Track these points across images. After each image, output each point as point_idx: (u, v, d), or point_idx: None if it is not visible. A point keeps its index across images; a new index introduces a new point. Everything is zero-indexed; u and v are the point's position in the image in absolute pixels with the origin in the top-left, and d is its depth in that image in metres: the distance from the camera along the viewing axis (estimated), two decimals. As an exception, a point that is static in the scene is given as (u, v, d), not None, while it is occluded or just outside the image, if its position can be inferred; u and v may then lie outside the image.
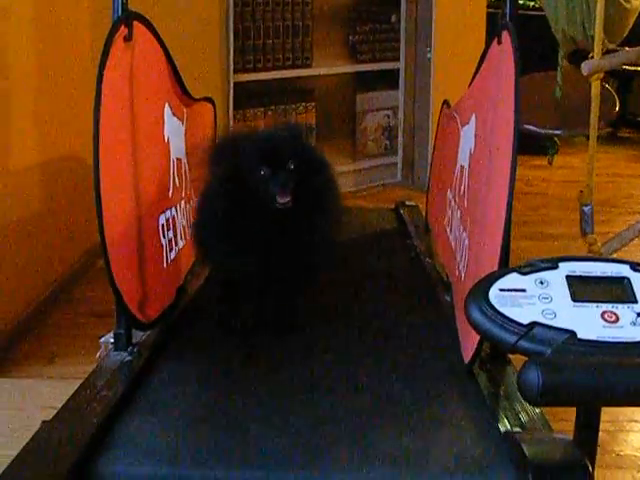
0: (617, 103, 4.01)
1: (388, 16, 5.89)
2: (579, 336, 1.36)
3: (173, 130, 2.40)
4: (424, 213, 3.42)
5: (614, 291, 1.44)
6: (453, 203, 2.49)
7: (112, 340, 2.05)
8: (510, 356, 1.94)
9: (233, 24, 5.06)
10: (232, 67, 5.10)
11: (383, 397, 1.82)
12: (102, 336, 2.20)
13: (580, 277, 1.45)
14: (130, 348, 2.01)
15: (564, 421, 1.61)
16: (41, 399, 2.91)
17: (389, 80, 5.94)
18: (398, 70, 5.94)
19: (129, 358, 1.98)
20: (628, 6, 3.65)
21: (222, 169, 2.09)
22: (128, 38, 2.05)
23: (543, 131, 3.98)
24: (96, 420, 1.64)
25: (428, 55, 5.82)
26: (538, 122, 3.96)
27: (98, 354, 2.22)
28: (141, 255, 2.09)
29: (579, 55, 3.65)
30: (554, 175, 5.93)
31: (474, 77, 2.36)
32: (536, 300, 1.41)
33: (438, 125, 3.38)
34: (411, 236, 3.18)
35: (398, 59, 5.92)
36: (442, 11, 5.79)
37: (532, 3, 6.85)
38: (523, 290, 1.43)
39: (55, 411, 1.71)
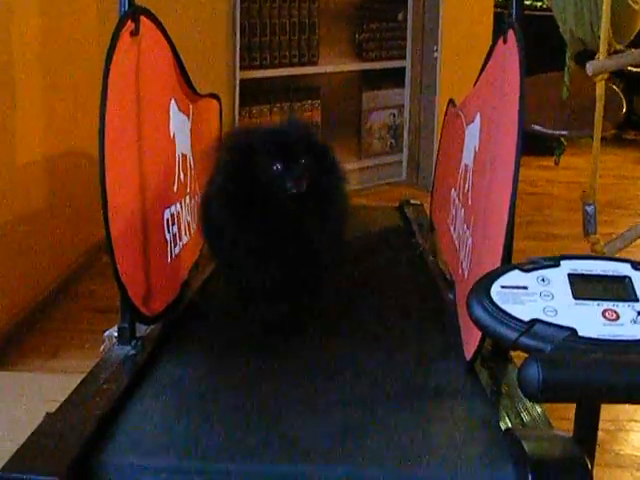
0: (624, 104, 4.02)
1: (395, 14, 5.90)
2: (580, 333, 1.36)
3: (179, 125, 2.41)
4: (428, 212, 3.42)
5: (615, 289, 1.45)
6: (457, 202, 2.49)
7: (116, 334, 2.05)
8: (512, 354, 1.95)
9: (240, 21, 5.08)
10: (238, 64, 5.11)
11: (387, 390, 1.84)
12: (106, 330, 2.21)
13: (581, 275, 1.46)
14: (134, 342, 2.02)
15: (563, 420, 1.62)
16: (44, 392, 2.92)
17: (395, 78, 5.95)
18: (404, 68, 5.95)
19: (133, 352, 1.98)
20: (636, 7, 3.65)
21: (230, 165, 2.05)
22: (135, 33, 2.05)
23: (550, 131, 3.98)
24: (99, 412, 1.65)
25: (435, 54, 5.83)
26: (545, 122, 3.96)
27: (102, 348, 2.23)
28: (146, 250, 2.10)
29: (586, 56, 3.65)
30: (559, 176, 5.94)
31: (479, 76, 2.37)
32: (537, 297, 1.42)
33: (443, 124, 3.39)
34: (415, 234, 3.18)
35: (404, 57, 5.93)
36: (449, 10, 5.80)
37: (540, 3, 6.85)
38: (525, 287, 1.43)
39: (58, 404, 1.72)
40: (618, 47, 3.41)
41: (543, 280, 1.45)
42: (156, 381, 1.86)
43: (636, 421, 2.87)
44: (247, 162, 2.00)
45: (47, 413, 1.66)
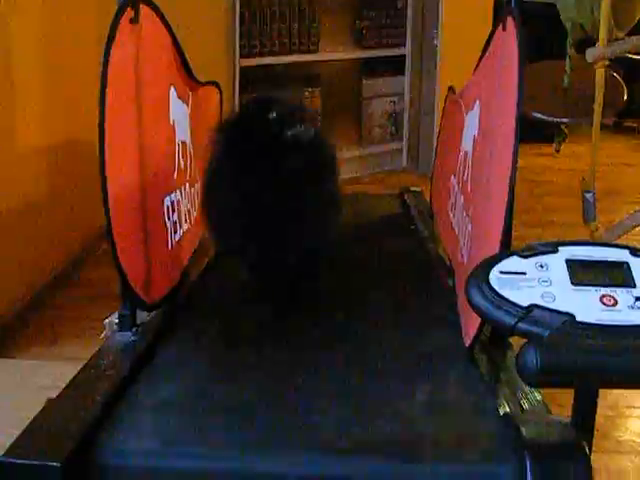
0: (625, 92, 4.02)
1: (394, 2, 5.90)
2: (578, 319, 1.37)
3: (178, 113, 2.41)
4: (429, 199, 3.43)
5: (613, 275, 1.45)
6: (457, 189, 2.50)
7: (116, 321, 2.06)
8: (511, 341, 1.96)
9: (240, 8, 5.07)
10: (238, 51, 5.11)
11: (385, 374, 1.85)
12: (106, 317, 2.22)
13: (580, 261, 1.47)
14: (134, 329, 2.03)
15: (562, 407, 1.63)
16: (45, 379, 2.93)
17: (395, 66, 5.95)
18: (404, 56, 5.95)
19: (133, 339, 1.99)
20: (637, -6, 3.66)
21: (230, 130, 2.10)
22: (134, 21, 2.05)
23: (550, 119, 3.98)
24: (101, 398, 1.66)
25: (435, 41, 5.83)
26: (546, 110, 3.97)
27: (102, 335, 2.24)
28: (146, 237, 2.11)
29: (587, 43, 3.65)
30: (560, 163, 5.94)
31: (478, 63, 2.37)
32: (536, 283, 1.42)
33: (443, 111, 3.39)
34: (415, 221, 3.19)
35: (404, 45, 5.93)
36: (449, -3, 5.80)
37: (540, -9, 6.84)
38: (523, 273, 1.44)
39: (59, 391, 1.73)
40: (619, 35, 3.41)
41: (541, 266, 1.46)
42: (157, 367, 1.87)
43: (635, 407, 2.88)
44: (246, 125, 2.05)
45: (49, 398, 1.68)
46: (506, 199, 1.72)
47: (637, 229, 3.11)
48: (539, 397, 1.70)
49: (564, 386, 1.40)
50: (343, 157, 2.47)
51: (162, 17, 2.30)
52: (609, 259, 1.48)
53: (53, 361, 3.16)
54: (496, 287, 1.41)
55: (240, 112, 2.17)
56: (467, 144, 2.37)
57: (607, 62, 2.99)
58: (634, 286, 1.44)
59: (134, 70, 2.07)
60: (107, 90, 1.89)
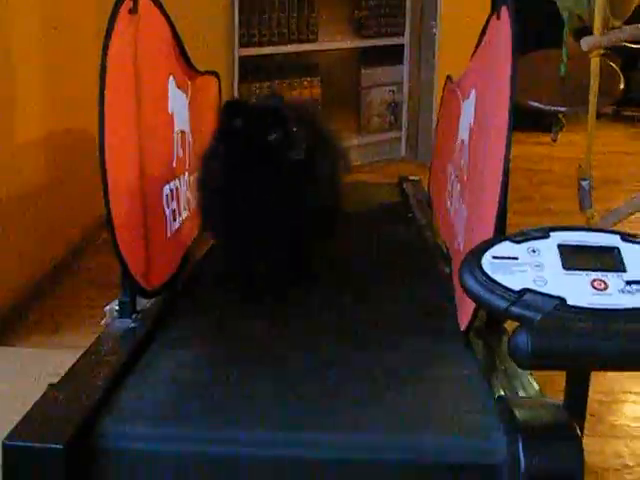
0: (622, 80, 4.04)
1: (393, -9, 5.90)
2: (569, 302, 1.39)
3: (177, 102, 2.43)
4: (427, 187, 3.45)
5: (604, 260, 1.48)
6: (453, 177, 2.52)
7: (117, 308, 2.09)
8: (506, 326, 1.98)
9: (238, -2, 5.08)
10: (237, 41, 5.12)
11: (383, 359, 1.88)
12: (107, 304, 2.24)
13: (571, 246, 1.49)
14: (134, 315, 2.05)
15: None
16: (46, 367, 2.94)
17: (394, 55, 5.96)
18: (403, 45, 5.95)
19: (133, 325, 2.02)
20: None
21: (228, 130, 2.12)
22: (133, 11, 2.07)
23: (547, 107, 4.01)
24: (101, 383, 1.69)
25: (433, 30, 5.83)
26: (542, 99, 3.99)
27: (103, 322, 2.26)
28: (145, 225, 2.13)
29: (584, 33, 3.67)
30: (558, 152, 5.95)
31: (474, 52, 2.39)
32: (528, 268, 1.45)
33: (441, 100, 3.41)
34: (413, 210, 3.21)
35: (403, 34, 5.93)
36: (448, -14, 5.80)
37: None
38: (515, 258, 1.47)
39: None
40: (615, 24, 3.43)
41: (533, 251, 1.48)
42: (156, 353, 1.90)
43: (630, 392, 2.91)
44: (244, 128, 2.07)
45: (50, 384, 1.70)
46: (500, 186, 1.74)
47: (633, 216, 3.14)
48: (533, 380, 1.72)
49: (556, 368, 1.43)
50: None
51: (161, 7, 2.32)
52: (600, 244, 1.51)
53: (54, 349, 3.18)
54: (489, 271, 1.44)
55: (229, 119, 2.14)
56: (463, 132, 2.39)
57: (602, 51, 3.00)
58: (624, 270, 1.47)
59: (133, 60, 2.09)
60: (106, 80, 1.91)
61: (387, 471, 1.53)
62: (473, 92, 2.29)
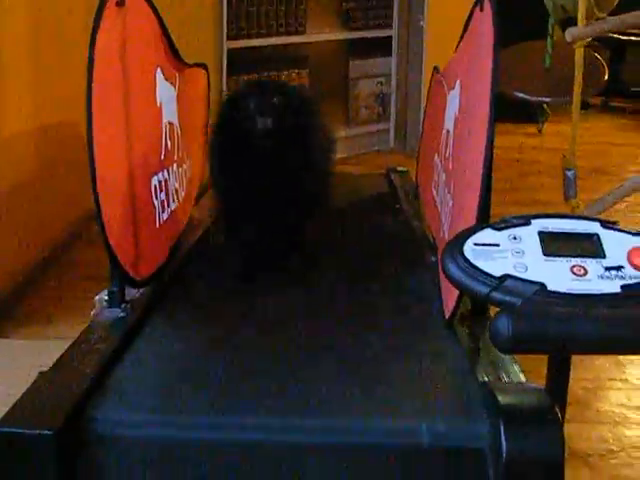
0: (606, 71, 4.07)
1: (380, -17, 5.92)
2: (549, 288, 1.42)
3: (165, 94, 2.45)
4: (414, 178, 3.48)
5: (584, 246, 1.50)
6: (439, 167, 2.55)
7: (106, 298, 2.11)
8: (491, 313, 2.01)
9: (227, -10, 5.09)
10: (225, 33, 5.13)
11: (368, 344, 1.91)
12: (97, 294, 2.26)
13: (551, 233, 1.52)
14: (123, 305, 2.08)
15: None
16: (39, 358, 2.96)
17: (382, 47, 5.98)
18: (391, 37, 5.98)
19: (122, 314, 2.04)
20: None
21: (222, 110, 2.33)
22: (120, 3, 2.09)
23: (532, 98, 4.04)
24: (90, 370, 1.71)
25: (421, 22, 5.86)
26: (528, 90, 4.02)
27: (93, 312, 2.28)
28: (134, 215, 2.15)
29: (570, 24, 3.69)
30: (546, 142, 5.98)
31: (459, 43, 2.41)
32: (509, 254, 1.47)
33: (428, 91, 3.44)
34: (400, 201, 3.24)
35: (391, 26, 5.96)
36: (435, -22, 5.82)
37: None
38: (497, 245, 1.49)
39: (52, 366, 1.78)
40: (600, 15, 3.45)
41: (514, 238, 1.51)
42: (145, 341, 1.92)
43: (615, 380, 2.94)
44: (232, 107, 2.27)
45: (40, 372, 1.72)
46: (481, 175, 1.77)
47: (617, 206, 3.17)
48: (516, 365, 1.75)
49: (536, 352, 1.46)
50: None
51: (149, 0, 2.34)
52: (580, 231, 1.54)
53: (46, 340, 3.19)
54: (470, 258, 1.46)
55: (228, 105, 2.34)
56: (449, 123, 2.42)
57: (586, 42, 3.03)
58: (604, 257, 1.49)
59: (121, 52, 2.10)
60: (94, 73, 1.92)
61: (370, 455, 1.55)
62: (458, 83, 2.32)
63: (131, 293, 2.14)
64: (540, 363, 1.55)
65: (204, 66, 3.23)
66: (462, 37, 2.37)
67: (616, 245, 1.51)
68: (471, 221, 1.77)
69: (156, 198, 2.32)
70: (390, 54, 6.01)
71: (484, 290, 1.42)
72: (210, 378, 1.75)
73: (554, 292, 1.42)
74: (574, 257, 1.48)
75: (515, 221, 1.54)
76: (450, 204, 2.21)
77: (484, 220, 1.79)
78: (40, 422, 1.51)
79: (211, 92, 3.37)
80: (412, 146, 5.72)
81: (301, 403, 1.65)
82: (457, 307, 1.88)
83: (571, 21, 3.68)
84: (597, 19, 3.32)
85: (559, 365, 1.55)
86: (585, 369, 2.92)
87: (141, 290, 2.16)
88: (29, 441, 1.49)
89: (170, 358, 1.84)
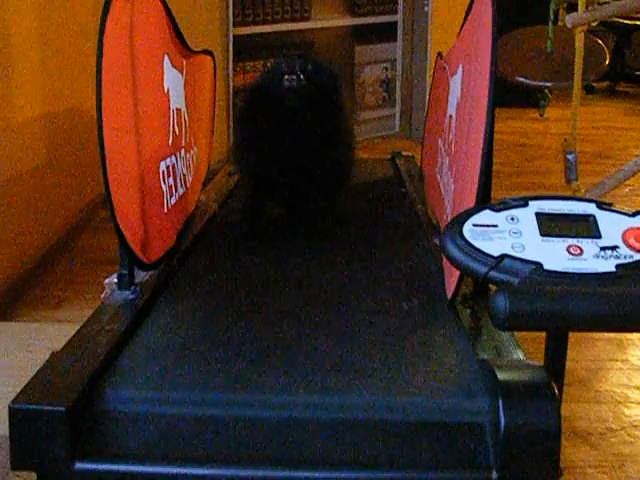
0: (607, 56, 4.09)
1: (386, -31, 5.94)
2: (545, 267, 1.47)
3: (172, 81, 2.49)
4: (419, 163, 3.52)
5: (580, 227, 1.55)
6: (443, 151, 2.59)
7: (116, 280, 2.16)
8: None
9: (232, -23, 5.12)
10: (232, 20, 5.16)
11: (371, 323, 1.96)
12: (107, 277, 2.31)
13: (548, 214, 1.57)
14: (133, 287, 2.12)
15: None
16: (49, 341, 3.01)
17: (387, 33, 6.01)
18: (396, 23, 6.00)
19: (132, 297, 2.09)
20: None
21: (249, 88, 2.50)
22: (128, -9, 2.13)
23: (534, 83, 4.06)
24: (102, 350, 1.76)
25: (426, 8, 5.88)
26: (529, 74, 4.05)
27: (103, 294, 2.32)
28: (143, 199, 2.20)
29: (574, 8, 3.72)
30: (550, 127, 6.01)
31: (461, 29, 2.45)
32: (507, 235, 1.52)
33: (433, 76, 3.47)
34: (405, 185, 3.28)
35: (396, 12, 5.98)
36: (440, -36, 5.83)
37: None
38: (495, 225, 1.54)
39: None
40: (602, 1, 3.48)
41: (512, 219, 1.56)
42: (154, 321, 1.96)
43: (616, 360, 2.98)
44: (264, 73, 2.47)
45: (52, 352, 1.77)
46: (481, 158, 1.80)
47: (617, 190, 3.20)
48: (516, 344, 1.79)
49: (532, 329, 1.50)
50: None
51: (155, -13, 2.37)
52: (576, 212, 1.58)
53: (57, 323, 3.24)
54: (469, 238, 1.51)
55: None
56: (451, 108, 2.45)
57: (589, 27, 3.06)
58: (599, 237, 1.54)
59: (129, 40, 2.14)
60: (103, 59, 1.96)
61: (370, 431, 1.59)
62: (460, 68, 2.35)
63: (140, 276, 2.18)
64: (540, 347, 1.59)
65: (210, 53, 3.26)
66: (464, 23, 2.40)
67: (611, 226, 1.56)
68: (472, 203, 1.80)
69: (164, 183, 2.37)
70: (395, 40, 6.04)
71: (483, 270, 1.47)
72: (220, 356, 1.79)
73: (550, 271, 1.46)
74: (570, 237, 1.53)
75: (513, 202, 1.59)
76: (453, 188, 2.25)
77: (485, 202, 1.83)
78: (53, 399, 1.56)
79: (217, 79, 3.41)
80: (417, 131, 5.75)
81: (303, 381, 1.69)
82: (458, 287, 1.92)
83: (573, 7, 3.71)
84: (598, 4, 3.35)
85: (556, 342, 1.60)
86: (585, 349, 2.97)
87: (150, 273, 2.21)
88: (42, 417, 1.54)
89: (179, 337, 1.89)
